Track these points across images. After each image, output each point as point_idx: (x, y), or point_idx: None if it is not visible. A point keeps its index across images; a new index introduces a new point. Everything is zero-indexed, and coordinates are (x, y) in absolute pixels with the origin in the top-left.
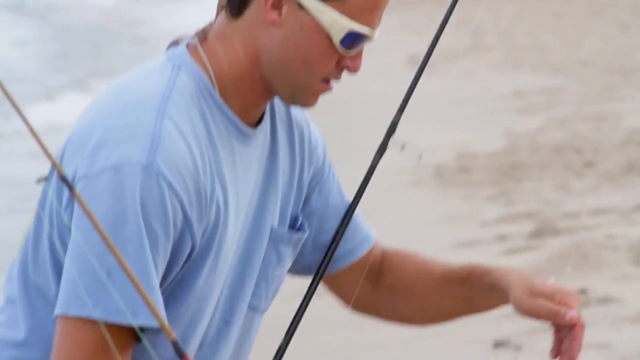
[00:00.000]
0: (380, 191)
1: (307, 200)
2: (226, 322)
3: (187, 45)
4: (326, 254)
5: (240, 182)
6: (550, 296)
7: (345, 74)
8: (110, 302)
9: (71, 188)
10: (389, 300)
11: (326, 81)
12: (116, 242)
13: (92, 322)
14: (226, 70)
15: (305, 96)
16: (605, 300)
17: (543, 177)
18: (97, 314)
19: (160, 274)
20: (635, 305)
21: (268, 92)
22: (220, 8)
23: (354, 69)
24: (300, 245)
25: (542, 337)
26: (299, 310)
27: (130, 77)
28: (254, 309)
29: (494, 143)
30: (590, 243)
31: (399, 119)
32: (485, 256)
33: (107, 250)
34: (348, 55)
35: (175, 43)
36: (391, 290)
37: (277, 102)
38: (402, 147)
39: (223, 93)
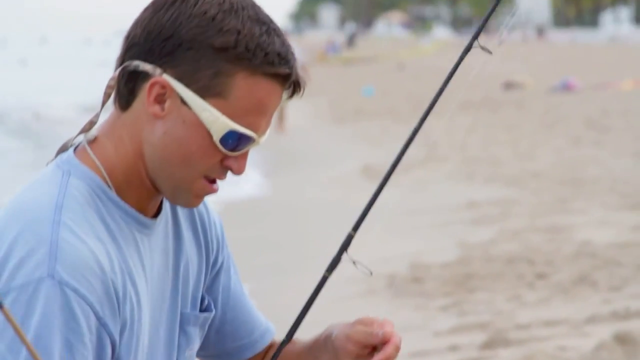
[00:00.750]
0: (333, 300)
1: (212, 283)
2: None
3: (75, 149)
4: (297, 321)
5: (147, 271)
6: (368, 324)
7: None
8: None
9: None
10: None
11: (211, 181)
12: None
13: None
14: (118, 165)
15: (186, 195)
16: None
17: (495, 288)
18: None
19: None
20: None
21: (156, 187)
22: (105, 99)
23: (237, 171)
24: (207, 326)
25: None
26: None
27: (23, 194)
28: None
29: (447, 253)
30: (542, 354)
31: (353, 236)
32: None
33: None
34: (231, 155)
35: (63, 149)
36: None
37: None
38: (354, 263)
39: (118, 189)
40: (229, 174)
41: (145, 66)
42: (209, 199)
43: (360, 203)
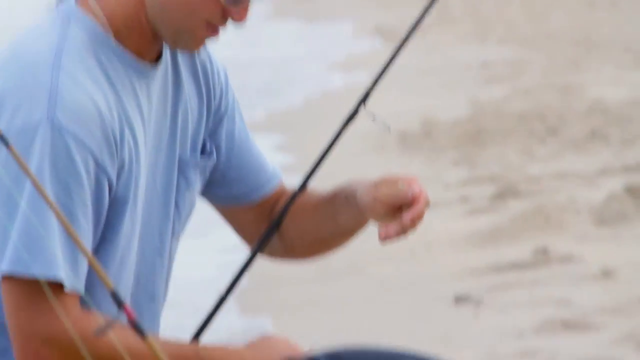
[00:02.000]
0: (346, 156)
1: (215, 129)
2: (160, 254)
3: None
4: (279, 217)
5: (145, 116)
6: (392, 183)
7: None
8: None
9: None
10: (275, 236)
11: (212, 27)
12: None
13: (22, 279)
14: (118, 11)
15: (188, 41)
16: (566, 259)
17: (506, 143)
18: (20, 269)
19: (87, 224)
20: (595, 264)
21: (155, 33)
22: None
23: (239, 19)
24: (208, 171)
25: (503, 293)
26: (243, 266)
27: (21, 39)
28: (170, 234)
29: (458, 111)
30: (552, 205)
31: (372, 89)
32: (447, 217)
33: (17, 209)
34: (233, 8)
35: None
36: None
37: None
38: (373, 119)
39: (118, 36)
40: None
41: None
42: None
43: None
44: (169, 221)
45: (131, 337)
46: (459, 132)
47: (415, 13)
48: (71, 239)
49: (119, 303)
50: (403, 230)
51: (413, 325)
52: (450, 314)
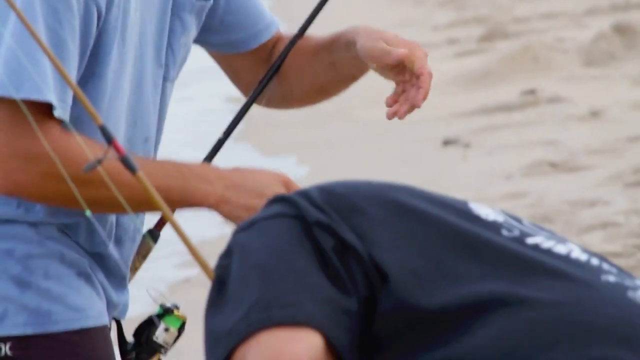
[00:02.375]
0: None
1: None
2: (153, 98)
3: None
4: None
5: None
6: (391, 41)
7: None
8: (22, 79)
9: None
10: (273, 82)
11: None
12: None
13: (6, 100)
14: None
15: None
16: (554, 99)
17: None
18: (8, 92)
19: (75, 50)
20: (583, 104)
21: None
22: None
23: None
24: (203, 14)
25: (491, 135)
26: (240, 110)
27: None
28: (164, 79)
29: None
30: (540, 46)
31: None
32: (436, 59)
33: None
34: None
35: None
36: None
37: None
38: None
39: None
40: None
41: None
42: None
43: None
44: (162, 65)
45: (114, 162)
46: None
47: None
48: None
49: (108, 139)
50: (412, 109)
51: (401, 168)
52: (438, 157)
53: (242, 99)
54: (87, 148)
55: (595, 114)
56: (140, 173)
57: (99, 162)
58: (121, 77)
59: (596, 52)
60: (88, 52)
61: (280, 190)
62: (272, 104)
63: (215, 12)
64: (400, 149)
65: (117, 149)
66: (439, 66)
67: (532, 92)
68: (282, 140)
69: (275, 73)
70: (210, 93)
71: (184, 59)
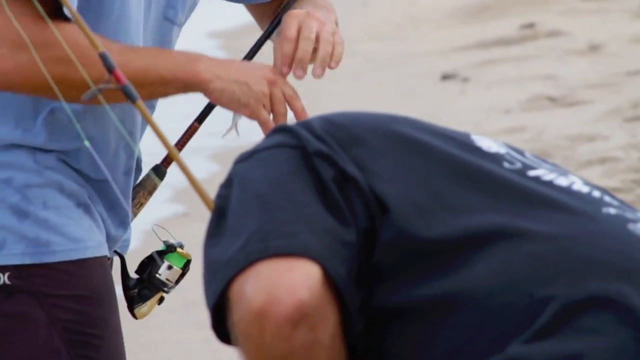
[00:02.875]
0: None
1: None
2: (161, 42)
3: None
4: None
5: None
6: (287, 39)
7: None
8: None
9: None
10: None
11: None
12: None
13: None
14: None
15: None
16: (553, 33)
17: None
18: None
19: None
20: (582, 38)
21: None
22: None
23: None
24: None
25: (489, 69)
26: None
27: None
28: (171, 21)
29: None
30: None
31: None
32: None
33: None
34: None
35: None
36: None
37: None
38: None
39: None
40: None
41: None
42: None
43: None
44: (171, 8)
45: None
46: None
47: None
48: None
49: (109, 68)
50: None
51: (399, 103)
52: (437, 91)
53: (226, 34)
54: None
55: (594, 48)
56: (140, 101)
57: (99, 90)
58: (127, 5)
59: None
60: None
61: (267, 75)
62: None
63: None
64: (399, 84)
65: (118, 78)
66: None
67: (530, 25)
68: None
69: (269, 34)
70: (192, 29)
71: (192, 8)
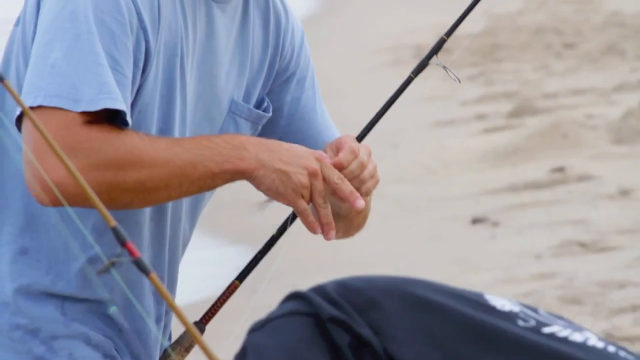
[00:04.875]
0: (359, 71)
1: (279, 90)
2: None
3: None
4: None
5: (198, 37)
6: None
7: None
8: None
9: None
10: None
11: None
12: (63, 35)
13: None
14: None
15: None
16: (583, 178)
17: (523, 58)
18: (58, 102)
19: (129, 68)
20: (612, 182)
21: None
22: None
23: None
24: (260, 125)
25: (519, 213)
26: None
27: None
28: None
29: (474, 24)
30: (569, 122)
31: (445, 40)
32: (464, 135)
33: (55, 40)
34: None
35: None
36: None
37: None
38: (445, 69)
39: None
40: None
41: None
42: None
43: None
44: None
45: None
46: (474, 47)
47: None
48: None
49: (122, 240)
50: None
51: (430, 247)
52: (467, 235)
53: None
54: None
55: (624, 193)
56: (153, 274)
57: (112, 264)
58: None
59: (625, 129)
60: (137, 82)
61: (313, 164)
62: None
63: (276, 128)
64: (429, 227)
65: (131, 251)
66: (468, 142)
67: (561, 169)
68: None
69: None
70: None
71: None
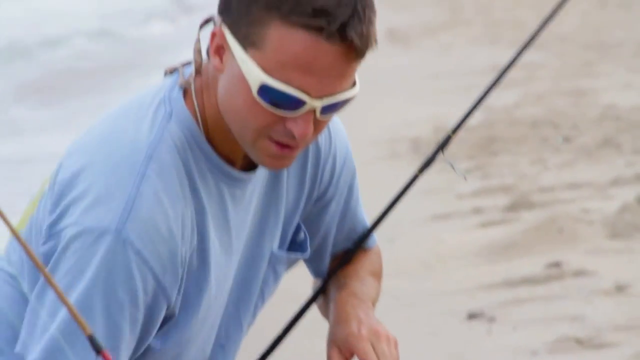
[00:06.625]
0: (357, 164)
1: (315, 213)
2: (221, 345)
3: (182, 86)
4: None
5: (234, 224)
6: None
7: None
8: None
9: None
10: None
11: (276, 142)
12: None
13: None
14: (210, 115)
15: (257, 155)
16: (579, 273)
17: (519, 151)
18: None
19: (133, 340)
20: (609, 278)
21: None
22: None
23: (297, 134)
24: (296, 262)
25: (515, 309)
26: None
27: (119, 119)
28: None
29: (471, 117)
30: (566, 216)
31: (451, 136)
32: (461, 229)
33: (61, 308)
34: (286, 116)
35: (171, 71)
36: None
37: None
38: (452, 166)
39: (209, 138)
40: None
41: (216, 17)
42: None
43: (384, 67)
44: (239, 317)
45: None
46: (471, 140)
47: (430, 15)
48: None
49: (97, 349)
50: None
51: (426, 341)
52: (463, 330)
53: None
54: None
55: (620, 289)
56: None
57: None
58: (192, 343)
59: (621, 224)
60: (151, 335)
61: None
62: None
63: (311, 244)
64: (425, 321)
65: (106, 358)
66: (465, 236)
67: (557, 264)
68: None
69: (314, 299)
70: None
71: (272, 294)
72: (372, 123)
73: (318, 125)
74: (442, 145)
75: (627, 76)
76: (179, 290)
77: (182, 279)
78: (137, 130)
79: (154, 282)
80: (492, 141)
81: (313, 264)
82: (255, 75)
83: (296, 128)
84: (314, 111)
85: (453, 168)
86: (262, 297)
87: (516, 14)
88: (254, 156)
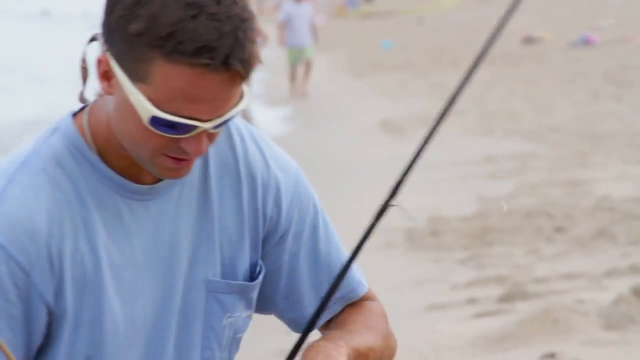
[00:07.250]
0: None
1: (273, 252)
2: None
3: (84, 108)
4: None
5: (139, 239)
6: None
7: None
8: None
9: None
10: None
11: (172, 158)
12: None
13: None
14: (104, 131)
15: (154, 169)
16: None
17: (514, 241)
18: None
19: (15, 336)
20: None
21: None
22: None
23: (193, 152)
24: (254, 293)
25: None
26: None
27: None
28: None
29: (465, 207)
30: (560, 307)
31: (400, 184)
32: (455, 319)
33: None
34: (180, 137)
35: (80, 101)
36: None
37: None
38: (403, 210)
39: (103, 154)
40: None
41: (101, 42)
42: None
43: (379, 157)
44: (194, 337)
45: None
46: (466, 230)
47: (424, 105)
48: None
49: None
50: None
51: None
52: None
53: None
54: None
55: None
56: None
57: None
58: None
59: (615, 315)
60: (39, 334)
61: None
62: None
63: (277, 287)
64: None
65: None
66: (459, 327)
67: (552, 356)
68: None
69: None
70: None
71: (234, 339)
72: (365, 211)
73: (212, 136)
74: (392, 195)
75: (621, 167)
76: (62, 290)
77: (62, 277)
78: (22, 147)
79: (23, 275)
80: (487, 231)
81: (288, 314)
82: (144, 107)
83: (190, 147)
84: (206, 130)
85: (404, 212)
86: (214, 330)
87: (510, 105)
88: (151, 170)
